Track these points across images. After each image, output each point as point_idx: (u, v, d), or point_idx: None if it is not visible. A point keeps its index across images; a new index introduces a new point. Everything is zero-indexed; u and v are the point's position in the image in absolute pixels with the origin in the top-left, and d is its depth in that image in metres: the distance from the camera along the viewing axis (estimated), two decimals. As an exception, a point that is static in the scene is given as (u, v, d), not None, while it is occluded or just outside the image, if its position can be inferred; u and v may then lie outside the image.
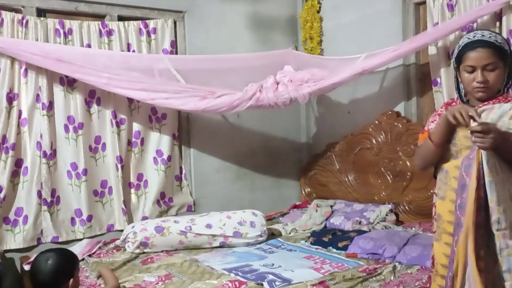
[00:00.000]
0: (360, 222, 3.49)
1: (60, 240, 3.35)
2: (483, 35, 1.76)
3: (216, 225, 3.31)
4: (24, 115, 3.27)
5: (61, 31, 3.36)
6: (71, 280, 1.89)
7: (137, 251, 3.16)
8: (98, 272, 2.46)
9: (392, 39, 3.55)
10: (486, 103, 1.76)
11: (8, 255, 3.19)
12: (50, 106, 3.35)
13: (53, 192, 3.36)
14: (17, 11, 3.28)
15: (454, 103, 1.91)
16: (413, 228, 3.26)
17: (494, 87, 1.75)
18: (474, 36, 1.77)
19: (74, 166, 3.43)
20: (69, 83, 3.41)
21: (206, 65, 3.72)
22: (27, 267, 2.85)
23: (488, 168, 1.59)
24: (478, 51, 1.73)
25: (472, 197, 1.60)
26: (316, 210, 3.82)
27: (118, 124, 3.59)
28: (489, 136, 1.56)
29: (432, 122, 1.93)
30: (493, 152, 1.61)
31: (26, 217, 3.26)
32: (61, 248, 2.12)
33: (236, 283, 2.48)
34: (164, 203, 3.81)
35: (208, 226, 3.29)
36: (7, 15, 3.19)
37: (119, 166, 3.56)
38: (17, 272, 3.19)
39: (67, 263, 1.92)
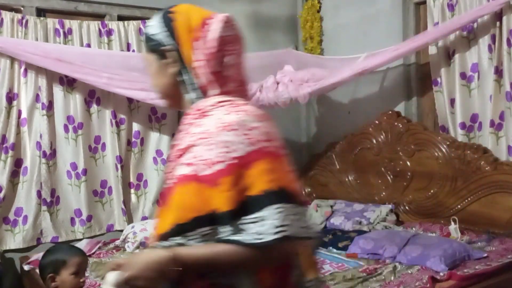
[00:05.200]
0: (360, 222, 3.48)
1: (59, 240, 3.35)
2: None
3: (216, 225, 3.30)
4: (24, 115, 3.27)
5: (61, 31, 3.35)
6: (51, 274, 1.85)
7: (137, 251, 3.16)
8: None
9: (392, 39, 3.55)
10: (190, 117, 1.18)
11: (8, 255, 3.19)
12: (50, 106, 3.34)
13: (52, 192, 3.35)
14: (17, 11, 3.28)
15: None
16: (414, 228, 3.25)
17: (161, 90, 1.23)
18: None
19: (74, 166, 3.43)
20: (69, 83, 3.40)
21: (206, 65, 3.72)
22: (27, 267, 2.86)
23: None
24: None
25: None
26: (316, 210, 3.82)
27: (118, 124, 3.58)
28: None
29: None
30: None
31: (25, 217, 3.26)
32: (71, 246, 2.08)
33: (236, 283, 2.48)
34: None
35: (208, 226, 3.29)
36: (7, 15, 3.18)
37: (118, 166, 3.55)
38: (17, 272, 3.19)
39: (55, 258, 1.91)
